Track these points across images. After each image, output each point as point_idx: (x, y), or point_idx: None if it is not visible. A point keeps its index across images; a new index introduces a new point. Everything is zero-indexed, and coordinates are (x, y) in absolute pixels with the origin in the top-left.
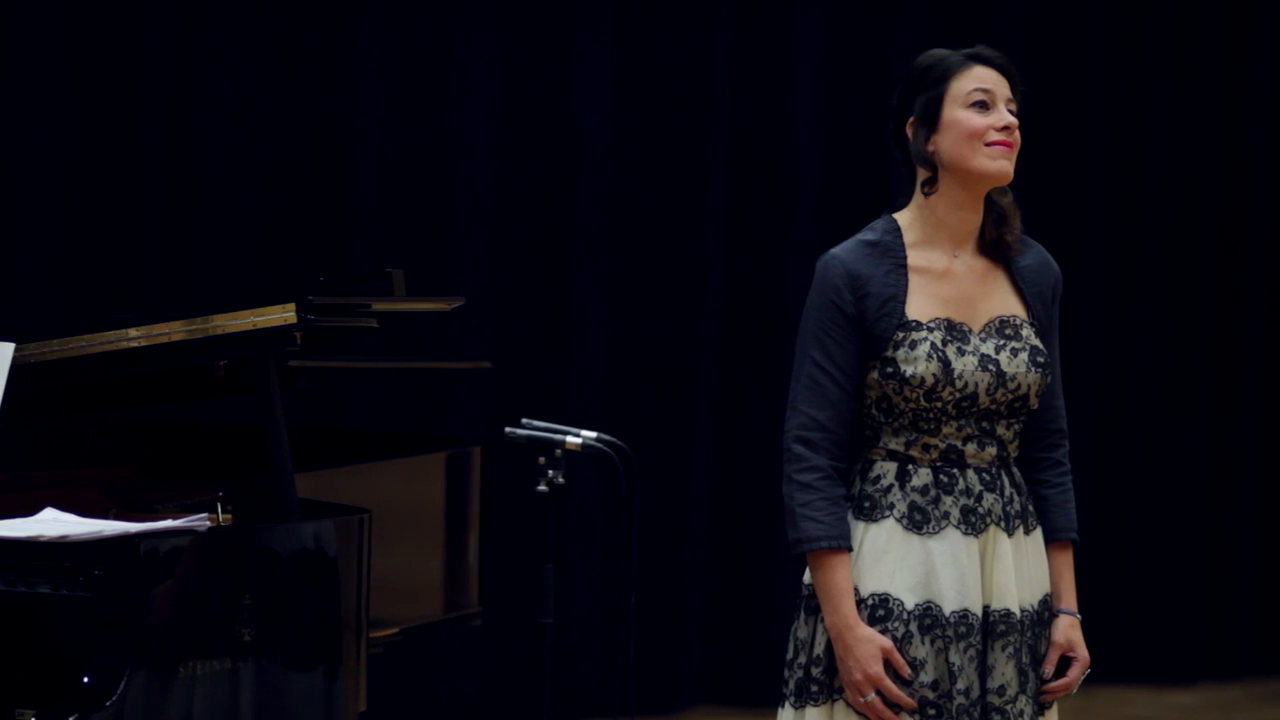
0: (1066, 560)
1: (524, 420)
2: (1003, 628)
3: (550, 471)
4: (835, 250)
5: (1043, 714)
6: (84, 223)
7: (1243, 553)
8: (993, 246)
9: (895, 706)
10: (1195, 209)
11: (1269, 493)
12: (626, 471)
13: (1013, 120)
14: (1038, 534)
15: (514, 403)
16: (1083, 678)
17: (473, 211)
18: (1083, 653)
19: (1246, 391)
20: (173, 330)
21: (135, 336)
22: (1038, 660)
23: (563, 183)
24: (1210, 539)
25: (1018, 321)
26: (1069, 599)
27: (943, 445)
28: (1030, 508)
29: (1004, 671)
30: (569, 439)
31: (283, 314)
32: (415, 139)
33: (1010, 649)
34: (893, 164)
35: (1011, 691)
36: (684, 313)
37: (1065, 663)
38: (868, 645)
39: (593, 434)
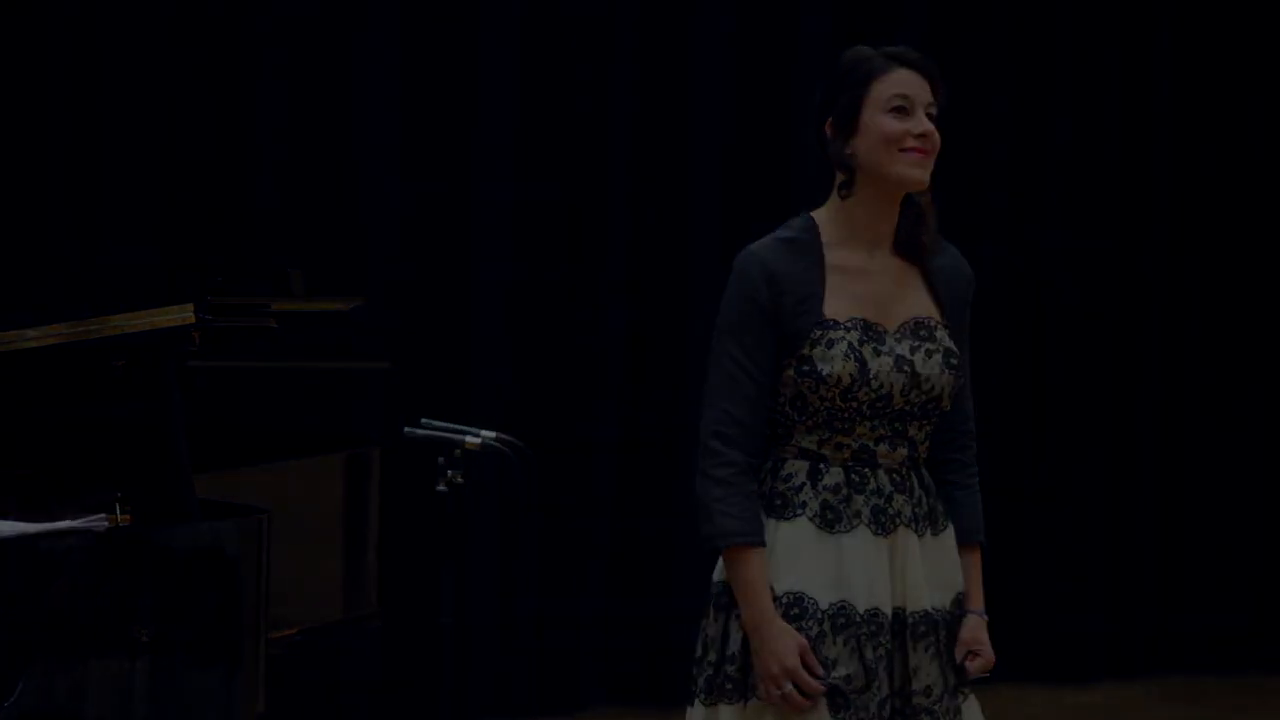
0: (974, 562)
1: (424, 420)
2: (923, 628)
3: (450, 471)
4: (753, 247)
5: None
6: None
7: (1143, 551)
8: (907, 247)
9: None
10: (1098, 206)
11: (1168, 490)
12: (526, 472)
13: (930, 127)
14: (947, 534)
15: (414, 403)
16: (985, 674)
17: (372, 210)
18: (988, 651)
19: (1148, 389)
20: (71, 330)
21: (32, 336)
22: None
23: (463, 181)
24: (1109, 537)
25: (932, 323)
26: (976, 600)
27: (855, 445)
28: (940, 508)
29: (929, 672)
30: (468, 439)
31: (180, 314)
32: (317, 137)
33: (932, 649)
34: (806, 157)
35: (937, 691)
36: (586, 310)
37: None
38: (786, 639)
39: (492, 434)
